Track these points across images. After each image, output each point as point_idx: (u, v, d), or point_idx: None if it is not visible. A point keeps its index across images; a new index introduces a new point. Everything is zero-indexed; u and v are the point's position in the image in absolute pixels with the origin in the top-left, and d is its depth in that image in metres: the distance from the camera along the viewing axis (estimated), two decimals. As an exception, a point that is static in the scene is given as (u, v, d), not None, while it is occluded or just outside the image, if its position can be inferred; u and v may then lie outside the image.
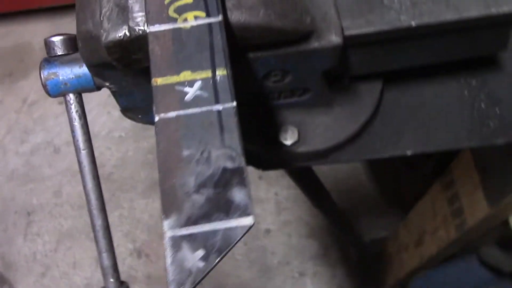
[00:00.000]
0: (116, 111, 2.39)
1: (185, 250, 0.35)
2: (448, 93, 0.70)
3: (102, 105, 2.39)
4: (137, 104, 0.61)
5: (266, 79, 0.56)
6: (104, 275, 0.65)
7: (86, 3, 0.49)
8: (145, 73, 0.53)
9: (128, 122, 2.46)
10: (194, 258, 0.35)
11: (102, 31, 0.45)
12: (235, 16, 0.46)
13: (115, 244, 2.10)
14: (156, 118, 0.40)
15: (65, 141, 2.34)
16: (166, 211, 0.37)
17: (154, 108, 0.40)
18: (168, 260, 0.35)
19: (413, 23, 0.54)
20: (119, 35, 0.44)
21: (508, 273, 1.35)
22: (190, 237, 0.36)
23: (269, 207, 2.13)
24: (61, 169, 2.27)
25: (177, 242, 0.36)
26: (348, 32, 0.53)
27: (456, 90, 0.70)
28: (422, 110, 0.69)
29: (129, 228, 2.12)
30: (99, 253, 0.65)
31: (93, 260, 2.06)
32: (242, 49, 0.51)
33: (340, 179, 2.18)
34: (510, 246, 1.34)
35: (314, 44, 0.52)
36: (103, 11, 0.45)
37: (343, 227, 1.40)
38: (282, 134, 0.62)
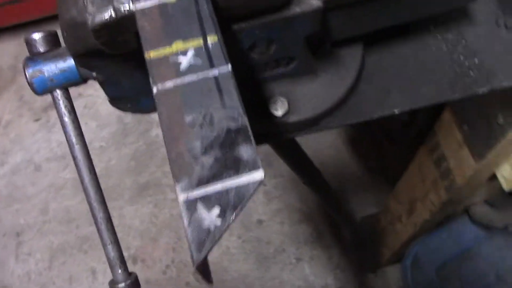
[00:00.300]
0: (93, 122, 2.37)
1: (201, 210, 0.36)
2: (427, 49, 0.71)
3: (79, 117, 2.37)
4: (125, 92, 0.62)
5: (251, 51, 0.57)
6: (112, 267, 0.65)
7: (66, -8, 0.49)
8: (132, 58, 0.53)
9: (107, 132, 2.45)
10: (211, 216, 0.36)
11: (87, 15, 0.45)
12: (218, -14, 0.47)
13: (109, 254, 2.03)
14: (154, 90, 0.40)
15: (45, 157, 2.32)
16: (177, 176, 0.37)
17: (151, 80, 0.41)
18: (185, 221, 0.36)
19: (388, -20, 0.56)
20: (105, 16, 0.45)
21: (500, 228, 1.38)
22: (204, 198, 0.36)
23: (259, 198, 2.14)
24: (44, 186, 2.24)
25: (191, 204, 0.36)
26: (327, -5, 0.54)
27: (434, 46, 0.71)
28: (404, 69, 0.70)
29: (121, 235, 2.10)
30: (104, 245, 0.65)
31: (89, 272, 2.05)
32: (226, 22, 0.51)
33: (324, 161, 2.20)
34: (499, 202, 1.38)
35: (296, 9, 0.53)
36: (86, -4, 0.46)
37: (335, 204, 1.42)
38: (272, 106, 0.63)
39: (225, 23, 0.51)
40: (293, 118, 0.64)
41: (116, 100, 0.62)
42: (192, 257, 0.35)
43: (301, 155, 1.00)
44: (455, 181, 1.14)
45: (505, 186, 1.08)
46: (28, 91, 2.51)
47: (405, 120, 1.49)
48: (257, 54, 0.58)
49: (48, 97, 2.15)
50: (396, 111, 0.68)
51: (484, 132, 0.95)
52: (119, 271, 0.64)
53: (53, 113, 2.40)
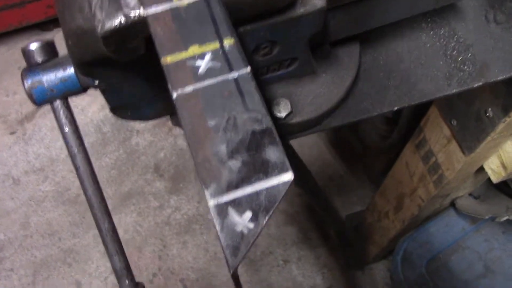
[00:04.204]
0: (71, 132, 2.33)
1: (233, 214, 0.35)
2: (422, 46, 0.72)
3: (55, 129, 2.33)
4: (127, 100, 0.61)
5: (255, 53, 0.57)
6: (118, 277, 0.64)
7: (71, 1, 0.48)
8: (136, 65, 0.52)
9: (85, 142, 2.41)
10: (243, 220, 0.35)
11: (96, 22, 0.44)
12: (226, -11, 0.46)
13: (94, 266, 2.07)
14: (174, 95, 0.39)
15: (23, 170, 2.27)
16: (205, 182, 0.37)
17: (169, 86, 0.40)
18: (218, 227, 0.35)
19: (387, -22, 0.56)
20: (115, 23, 0.44)
21: (486, 220, 1.40)
22: (234, 202, 0.36)
23: (243, 201, 2.13)
24: (24, 199, 2.20)
25: (222, 209, 0.36)
26: (329, -5, 0.55)
27: (428, 42, 0.72)
28: (400, 66, 0.71)
29: (106, 246, 2.07)
30: (110, 256, 0.63)
31: (75, 286, 2.01)
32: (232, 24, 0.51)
33: (306, 161, 2.20)
34: (484, 194, 1.40)
35: (300, 10, 0.53)
36: (93, 3, 0.45)
37: (323, 203, 1.42)
38: (275, 107, 0.63)
39: (231, 26, 0.51)
40: (296, 119, 0.64)
41: (117, 109, 0.61)
42: (227, 262, 0.35)
43: (295, 157, 1.00)
44: (444, 175, 1.16)
45: (493, 178, 1.10)
46: (1, 105, 2.46)
47: (390, 118, 1.50)
48: (260, 56, 0.57)
49: (23, 109, 2.12)
50: (395, 108, 0.69)
51: (473, 126, 0.97)
52: (126, 281, 0.63)
53: (29, 126, 2.36)
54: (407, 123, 1.38)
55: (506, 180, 1.20)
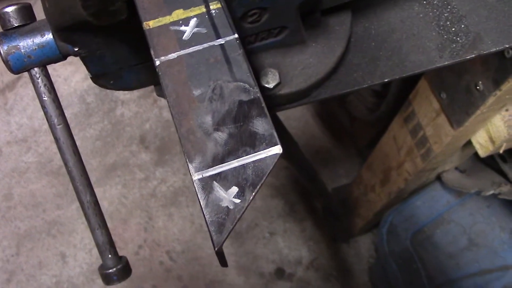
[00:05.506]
0: (54, 102, 2.29)
1: (218, 189, 0.34)
2: (414, 16, 0.70)
3: (37, 99, 2.28)
4: (108, 68, 0.58)
5: (243, 20, 0.54)
6: (101, 252, 0.62)
7: (47, -42, 0.45)
8: (117, 31, 0.50)
9: (69, 112, 2.37)
10: (229, 196, 0.34)
11: (74, -17, 0.41)
12: (212, -49, 0.44)
13: (78, 237, 2.04)
14: (157, 62, 0.37)
15: (5, 141, 2.23)
16: (189, 155, 0.35)
17: (152, 52, 0.38)
18: (202, 203, 0.34)
19: None
20: (95, -16, 0.41)
21: (471, 194, 1.41)
22: (219, 176, 0.34)
23: (229, 174, 2.12)
24: (6, 170, 2.16)
25: (207, 184, 0.34)
26: (321, -41, 0.52)
27: (421, 12, 0.70)
28: (392, 37, 0.69)
29: (91, 218, 2.05)
30: (92, 230, 0.62)
31: (59, 257, 2.00)
32: (219, -11, 0.48)
33: (293, 134, 2.19)
34: (470, 169, 1.40)
35: (290, -26, 0.50)
36: (70, -38, 0.42)
37: (311, 175, 1.41)
38: (263, 78, 0.61)
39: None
40: (285, 90, 0.62)
41: (99, 77, 0.59)
42: (212, 239, 0.33)
43: (282, 128, 0.98)
44: (432, 149, 1.15)
45: (481, 152, 1.09)
46: (-18, 73, 2.40)
47: (378, 90, 1.49)
48: (248, 23, 0.55)
49: (4, 78, 2.07)
50: (386, 79, 0.67)
51: (463, 99, 0.96)
52: (109, 255, 0.62)
53: (11, 95, 2.31)
54: (396, 96, 1.37)
55: (493, 154, 1.20)
